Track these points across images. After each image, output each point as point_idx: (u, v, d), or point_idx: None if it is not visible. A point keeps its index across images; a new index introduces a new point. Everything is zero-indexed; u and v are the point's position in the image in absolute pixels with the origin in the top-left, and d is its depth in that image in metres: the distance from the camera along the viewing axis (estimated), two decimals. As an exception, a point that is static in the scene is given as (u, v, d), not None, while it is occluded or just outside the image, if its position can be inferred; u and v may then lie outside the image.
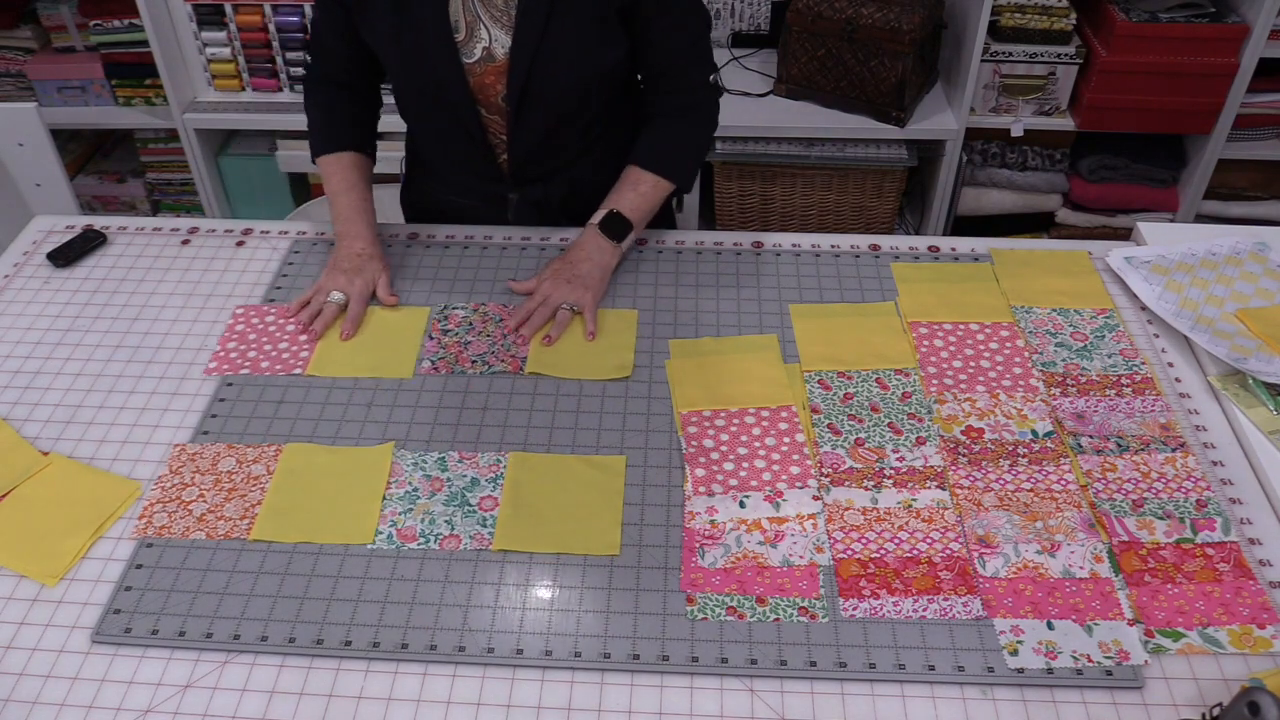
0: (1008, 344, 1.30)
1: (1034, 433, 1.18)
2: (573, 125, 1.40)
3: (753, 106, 2.52)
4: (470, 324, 1.34)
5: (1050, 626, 0.99)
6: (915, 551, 1.06)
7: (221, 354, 1.29)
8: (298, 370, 1.26)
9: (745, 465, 1.15)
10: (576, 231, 1.51)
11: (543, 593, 1.03)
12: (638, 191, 1.41)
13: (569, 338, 1.31)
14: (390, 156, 2.55)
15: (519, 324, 1.32)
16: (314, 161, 1.46)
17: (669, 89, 1.43)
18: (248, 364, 1.28)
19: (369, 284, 1.36)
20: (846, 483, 1.13)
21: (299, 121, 2.49)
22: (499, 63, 1.32)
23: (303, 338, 1.31)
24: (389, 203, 2.23)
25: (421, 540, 1.08)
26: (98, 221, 1.56)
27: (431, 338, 1.32)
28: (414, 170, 1.61)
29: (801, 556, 1.05)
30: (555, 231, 1.51)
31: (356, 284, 1.35)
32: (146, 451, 1.19)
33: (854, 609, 1.01)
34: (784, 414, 1.21)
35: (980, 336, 1.31)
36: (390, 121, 1.51)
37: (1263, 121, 2.49)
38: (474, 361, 1.27)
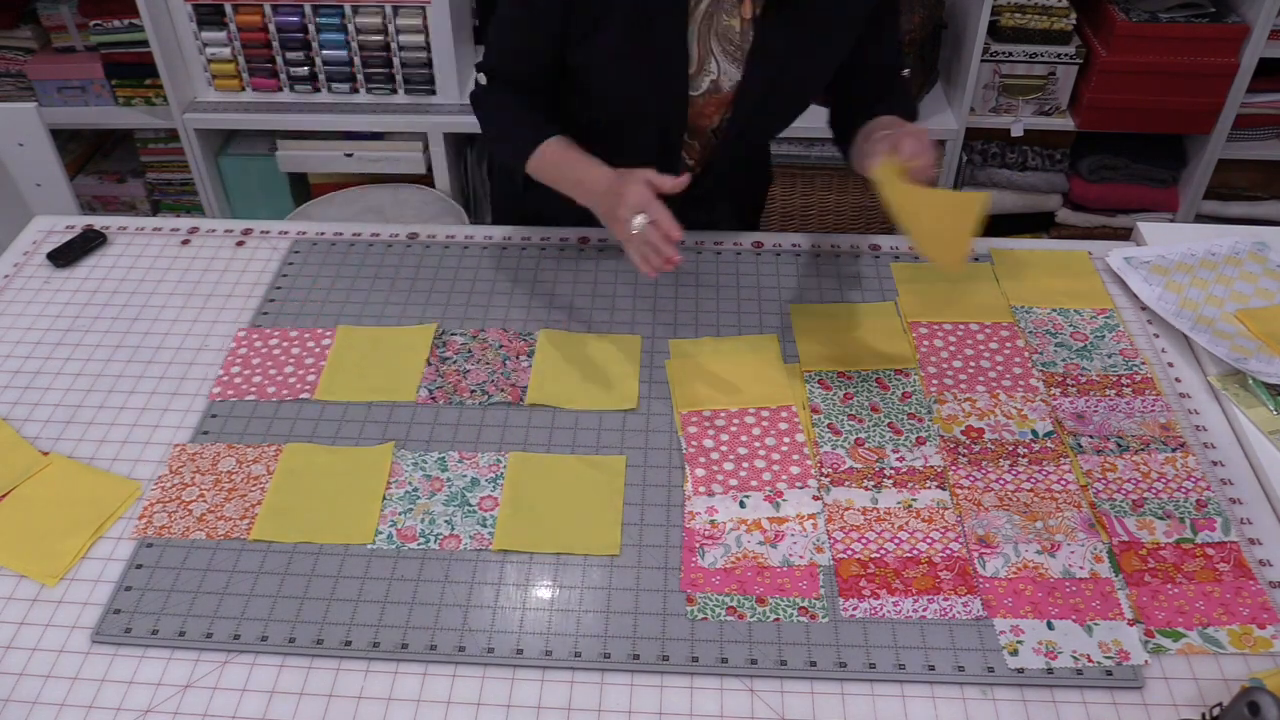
0: (1008, 344, 1.30)
1: (1034, 433, 1.18)
2: (763, 152, 1.43)
3: (753, 106, 2.51)
4: (469, 351, 1.31)
5: (1050, 626, 0.99)
6: (915, 551, 1.06)
7: (226, 379, 1.27)
8: (305, 395, 1.25)
9: (745, 465, 1.15)
10: (574, 231, 1.51)
11: (543, 593, 1.03)
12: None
13: (571, 366, 1.27)
14: (397, 157, 2.56)
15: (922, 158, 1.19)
16: (525, 172, 1.33)
17: (874, 82, 1.39)
18: (253, 389, 1.26)
19: (644, 186, 1.17)
20: (846, 483, 1.13)
21: (299, 121, 2.52)
22: (723, 95, 1.31)
23: (309, 361, 1.29)
24: (395, 202, 2.23)
25: (421, 540, 1.08)
26: (98, 221, 1.56)
27: (430, 364, 1.29)
28: (535, 190, 1.45)
29: (801, 556, 1.05)
30: (556, 231, 1.51)
31: (634, 194, 1.16)
32: (146, 451, 1.19)
33: (854, 609, 1.01)
34: (784, 414, 1.21)
35: (980, 336, 1.31)
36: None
37: (1263, 121, 2.49)
38: (473, 391, 1.25)
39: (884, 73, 1.40)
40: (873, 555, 1.05)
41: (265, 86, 2.58)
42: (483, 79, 1.38)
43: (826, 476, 1.13)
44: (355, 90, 2.54)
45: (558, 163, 1.30)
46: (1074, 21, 2.40)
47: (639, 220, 1.14)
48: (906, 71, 1.43)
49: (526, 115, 1.35)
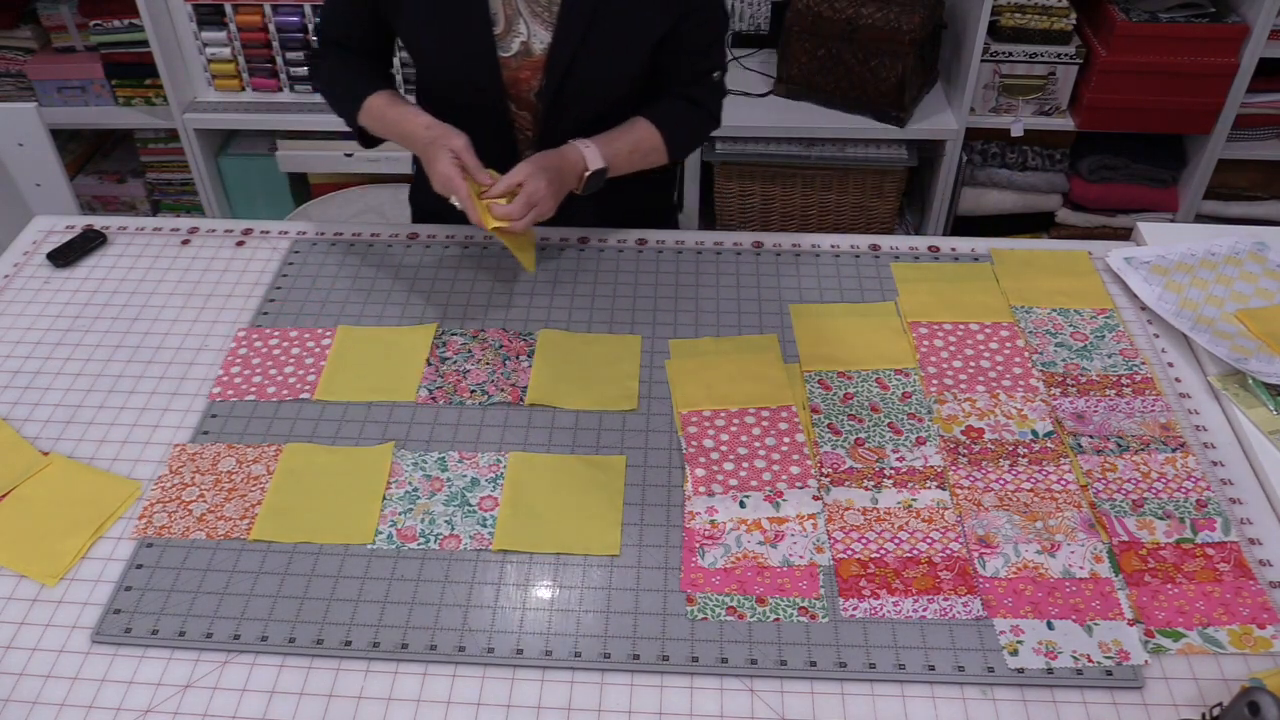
0: (1008, 344, 1.30)
1: (1034, 433, 1.18)
2: (599, 122, 1.41)
3: (753, 106, 2.52)
4: (469, 351, 1.31)
5: (1050, 626, 0.99)
6: (915, 551, 1.06)
7: (225, 379, 1.27)
8: (305, 395, 1.25)
9: (745, 465, 1.15)
10: (574, 231, 1.51)
11: (543, 593, 1.03)
12: (633, 157, 1.40)
13: (571, 366, 1.28)
14: (397, 157, 2.56)
15: (498, 193, 1.27)
16: (353, 124, 1.41)
17: (682, 80, 1.43)
18: (253, 389, 1.26)
19: (450, 164, 1.27)
20: (846, 483, 1.13)
21: (299, 121, 2.52)
22: (536, 58, 1.33)
23: (309, 361, 1.30)
24: (395, 202, 2.24)
25: (421, 540, 1.08)
26: (98, 221, 1.56)
27: (430, 364, 1.29)
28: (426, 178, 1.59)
29: (801, 556, 1.05)
30: (556, 231, 1.51)
31: (439, 173, 1.27)
32: (146, 451, 1.19)
33: (854, 609, 1.01)
34: (784, 414, 1.21)
35: (980, 336, 1.31)
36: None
37: (1263, 121, 2.49)
38: (473, 391, 1.25)
39: (691, 69, 1.42)
40: (873, 555, 1.05)
41: (265, 86, 2.58)
42: (315, 44, 1.45)
43: (826, 476, 1.13)
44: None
45: (384, 114, 1.37)
46: (1074, 21, 2.40)
47: (454, 201, 1.26)
48: (718, 75, 1.46)
49: (354, 73, 1.42)
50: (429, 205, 1.59)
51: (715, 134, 2.45)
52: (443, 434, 1.20)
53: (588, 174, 1.35)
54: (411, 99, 1.41)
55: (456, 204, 1.26)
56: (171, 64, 2.48)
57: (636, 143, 1.41)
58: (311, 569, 1.05)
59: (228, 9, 2.45)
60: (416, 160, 1.60)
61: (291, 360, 1.30)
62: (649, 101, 1.46)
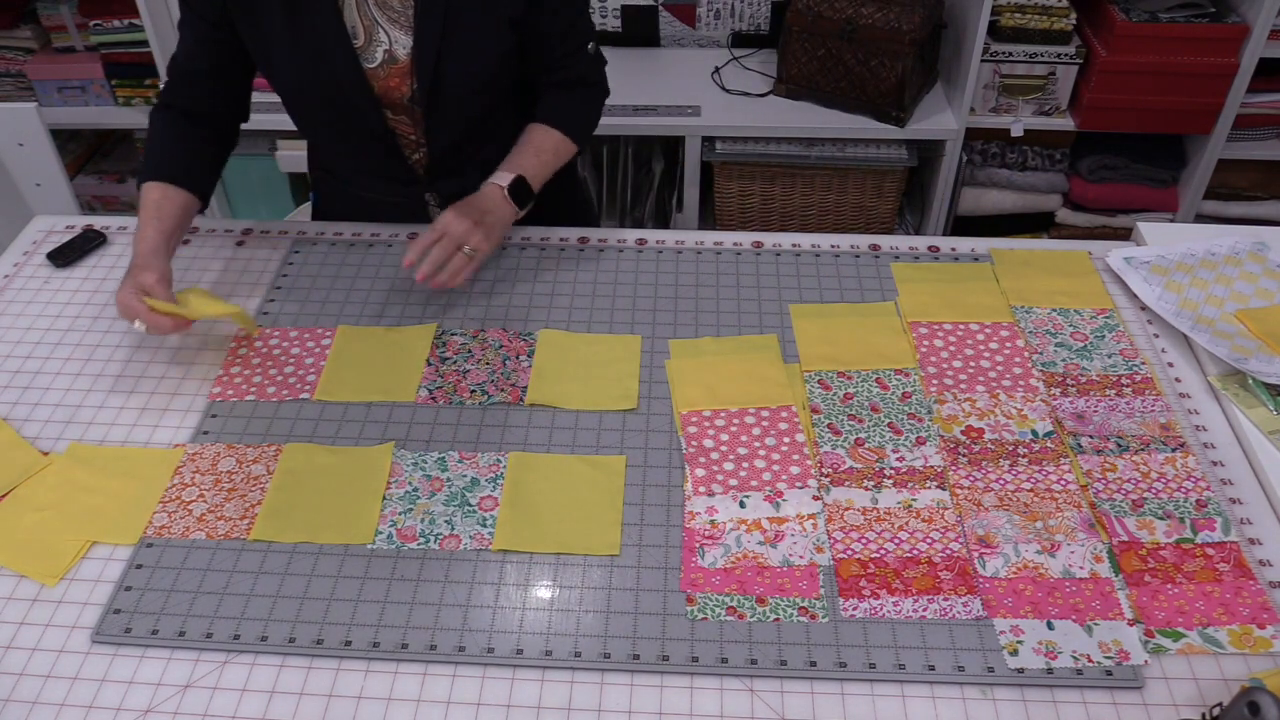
0: (1008, 344, 1.30)
1: (1034, 433, 1.18)
2: (484, 116, 1.41)
3: (753, 106, 2.52)
4: (469, 351, 1.31)
5: (1050, 626, 0.99)
6: (915, 551, 1.06)
7: (225, 379, 1.27)
8: (305, 395, 1.25)
9: (745, 465, 1.15)
10: (574, 231, 1.51)
11: (543, 593, 1.03)
12: (540, 158, 1.40)
13: (571, 366, 1.28)
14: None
15: (414, 258, 1.28)
16: (138, 187, 1.34)
17: (555, 64, 1.42)
18: (253, 389, 1.25)
19: (133, 293, 1.22)
20: (846, 483, 1.13)
21: (298, 121, 2.51)
22: (401, 64, 1.32)
23: (309, 361, 1.29)
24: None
25: (421, 540, 1.08)
26: (98, 221, 1.56)
27: (429, 364, 1.29)
28: (323, 187, 1.59)
29: (801, 556, 1.05)
30: (556, 231, 1.51)
31: (122, 301, 1.23)
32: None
33: (854, 609, 1.01)
34: (784, 414, 1.21)
35: (980, 336, 1.31)
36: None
37: (1263, 121, 2.49)
38: (473, 391, 1.25)
39: (561, 49, 1.41)
40: (873, 555, 1.05)
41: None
42: (164, 82, 1.42)
43: (826, 476, 1.13)
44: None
45: (140, 208, 1.32)
46: (1074, 21, 2.40)
47: (137, 325, 1.21)
48: (591, 46, 1.45)
49: (166, 141, 1.38)
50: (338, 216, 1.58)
51: (715, 134, 2.47)
52: (443, 434, 1.20)
53: (505, 190, 1.36)
54: (163, 209, 1.32)
55: (139, 327, 1.21)
56: (171, 64, 2.47)
57: (538, 148, 1.41)
58: (311, 569, 1.05)
59: (228, 9, 2.45)
60: (313, 179, 1.62)
61: (291, 360, 1.30)
62: (528, 92, 1.45)
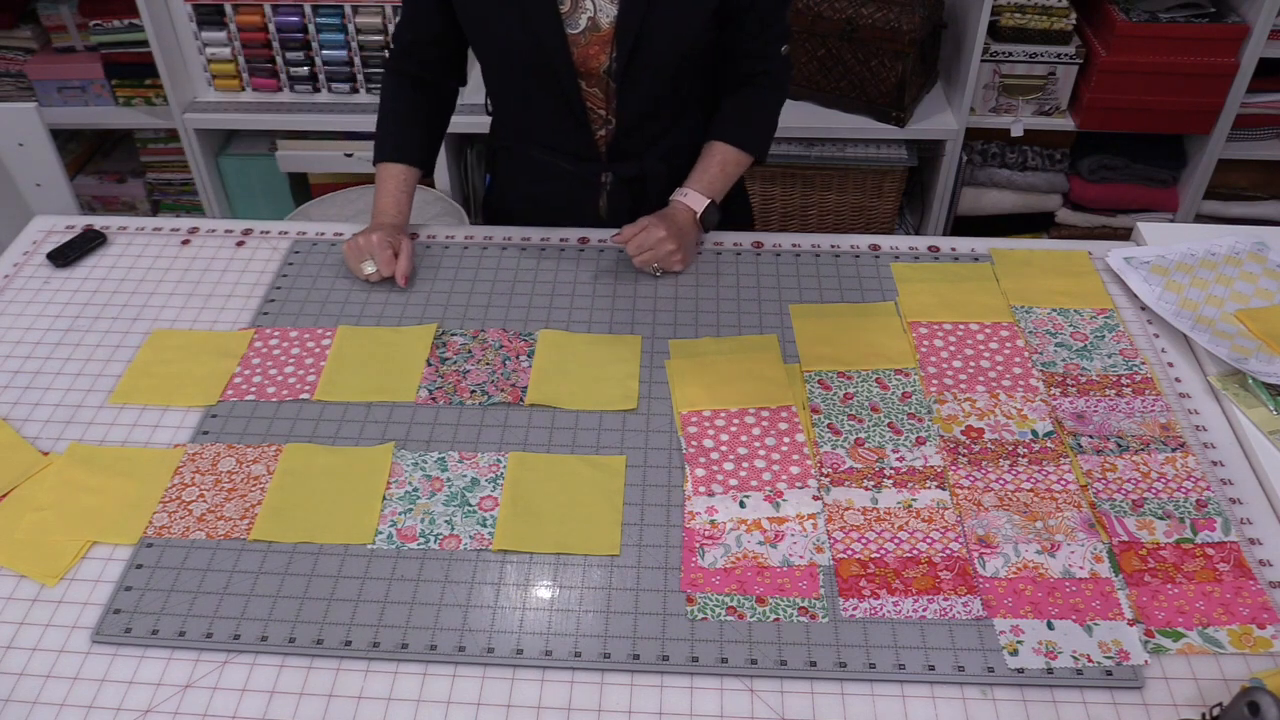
0: (1008, 344, 1.30)
1: (1034, 433, 1.18)
2: (673, 98, 1.42)
3: (753, 106, 2.51)
4: (469, 351, 1.31)
5: (1050, 626, 0.99)
6: (915, 551, 1.06)
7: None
8: (305, 395, 1.25)
9: (745, 465, 1.15)
10: (574, 231, 1.51)
11: (543, 593, 1.03)
12: (725, 173, 1.45)
13: (571, 366, 1.28)
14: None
15: (627, 235, 1.38)
16: (374, 164, 1.49)
17: (748, 54, 1.43)
18: (253, 389, 1.25)
19: (382, 238, 1.41)
20: (846, 483, 1.13)
21: (299, 121, 2.52)
22: (604, 33, 1.33)
23: (309, 361, 1.29)
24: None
25: (421, 540, 1.08)
26: (98, 221, 1.56)
27: (430, 364, 1.29)
28: (502, 162, 1.59)
29: (801, 556, 1.05)
30: (555, 231, 1.51)
31: (374, 239, 1.41)
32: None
33: (854, 609, 1.01)
34: (784, 414, 1.21)
35: (980, 336, 1.31)
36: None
37: (1263, 121, 2.49)
38: (473, 391, 1.25)
39: (758, 42, 1.42)
40: (873, 555, 1.05)
41: (265, 86, 2.58)
42: (391, 47, 1.50)
43: (826, 476, 1.13)
44: (355, 90, 2.54)
45: (377, 182, 1.49)
46: (1074, 21, 2.40)
47: (368, 266, 1.41)
48: (785, 48, 1.47)
49: (400, 117, 1.50)
50: (504, 205, 1.63)
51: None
52: (443, 434, 1.20)
53: (699, 215, 1.42)
54: (405, 185, 1.49)
55: (369, 270, 1.41)
56: (171, 64, 2.48)
57: (722, 163, 1.45)
58: (311, 569, 1.05)
59: (228, 9, 2.45)
60: (489, 156, 1.66)
61: (291, 360, 1.30)
62: (716, 86, 1.48)
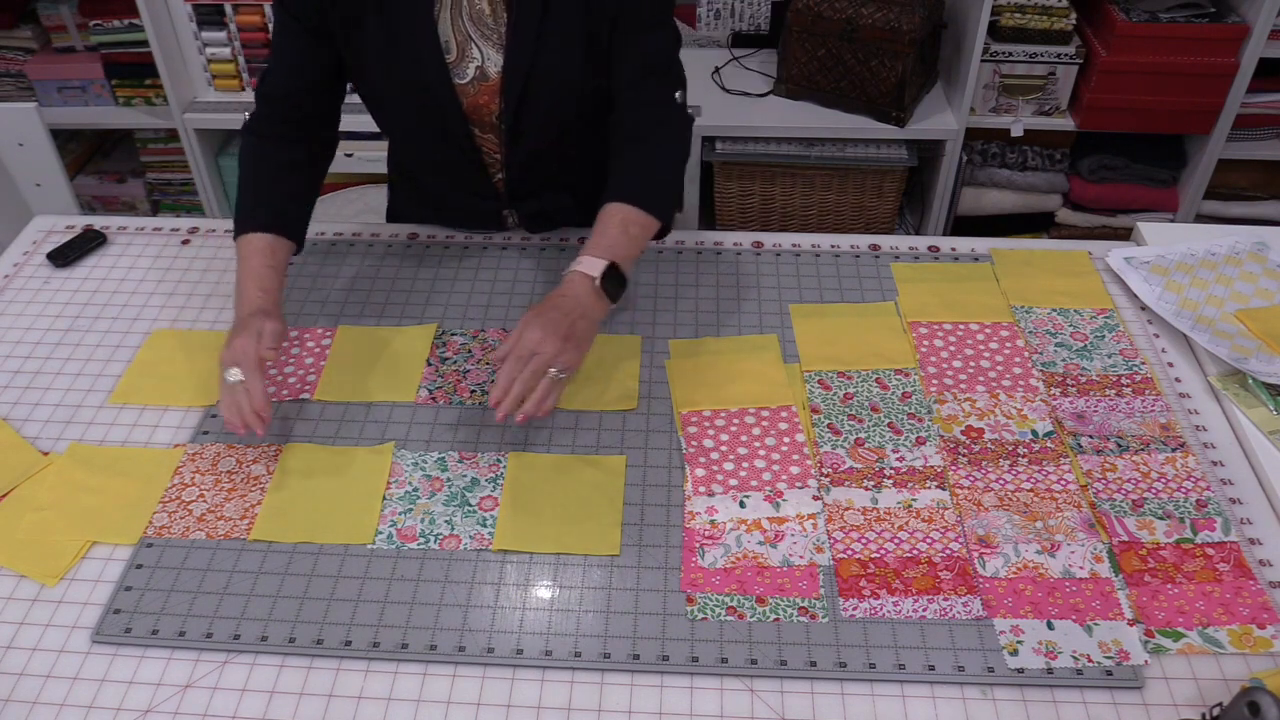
0: (1008, 344, 1.30)
1: (1034, 433, 1.18)
2: (568, 139, 1.39)
3: (753, 106, 2.52)
4: (469, 351, 1.31)
5: (1050, 626, 0.99)
6: (915, 551, 1.06)
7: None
8: (305, 395, 1.25)
9: (745, 465, 1.15)
10: (575, 231, 1.51)
11: (543, 593, 1.03)
12: (629, 234, 1.24)
13: None
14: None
15: (500, 394, 1.10)
16: (234, 238, 1.28)
17: (639, 102, 1.32)
18: None
19: (251, 340, 1.16)
20: (846, 483, 1.13)
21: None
22: (492, 81, 1.31)
23: (309, 361, 1.29)
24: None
25: (421, 540, 1.08)
26: (98, 221, 1.56)
27: (430, 364, 1.29)
28: (401, 195, 1.59)
29: (801, 556, 1.05)
30: (555, 231, 1.51)
31: (238, 345, 1.16)
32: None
33: (854, 609, 1.01)
34: (784, 414, 1.21)
35: (980, 336, 1.31)
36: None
37: (1263, 121, 2.49)
38: (473, 391, 1.25)
39: (646, 89, 1.31)
40: (873, 555, 1.05)
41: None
42: (255, 104, 1.35)
43: (826, 476, 1.13)
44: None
45: (239, 260, 1.27)
46: (1074, 21, 2.40)
47: (234, 374, 1.13)
48: (679, 95, 1.35)
49: (269, 181, 1.32)
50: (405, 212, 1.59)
51: (715, 134, 2.47)
52: (443, 434, 1.20)
53: (596, 281, 1.19)
54: (271, 260, 1.27)
55: (233, 375, 1.14)
56: (171, 64, 2.48)
57: (622, 223, 1.24)
58: (311, 569, 1.05)
59: (228, 9, 2.45)
60: (391, 188, 1.62)
61: (291, 360, 1.30)
62: (608, 122, 1.34)
